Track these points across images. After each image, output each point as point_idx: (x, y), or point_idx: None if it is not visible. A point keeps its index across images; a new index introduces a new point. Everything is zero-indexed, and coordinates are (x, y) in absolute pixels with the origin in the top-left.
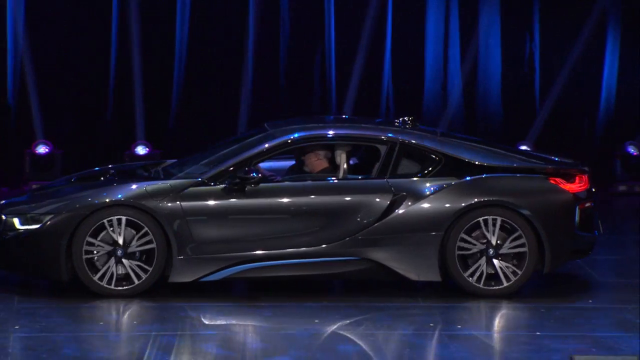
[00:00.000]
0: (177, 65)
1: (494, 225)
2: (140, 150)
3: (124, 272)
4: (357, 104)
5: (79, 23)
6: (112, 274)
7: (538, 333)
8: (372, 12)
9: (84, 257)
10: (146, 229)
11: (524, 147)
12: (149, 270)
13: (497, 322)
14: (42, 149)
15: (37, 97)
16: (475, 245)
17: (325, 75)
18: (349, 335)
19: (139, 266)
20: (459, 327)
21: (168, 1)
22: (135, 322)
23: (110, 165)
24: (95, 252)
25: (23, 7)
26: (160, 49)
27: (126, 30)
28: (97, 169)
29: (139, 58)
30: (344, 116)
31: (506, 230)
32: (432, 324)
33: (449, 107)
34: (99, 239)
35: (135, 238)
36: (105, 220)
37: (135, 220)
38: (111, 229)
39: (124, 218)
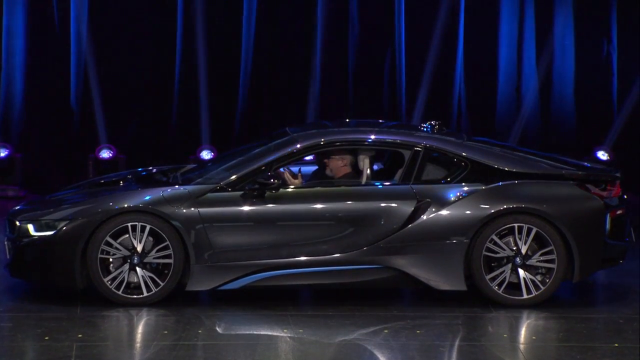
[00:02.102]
0: (243, 68)
1: (528, 234)
2: (205, 154)
3: (135, 280)
4: (427, 107)
5: (143, 25)
6: (122, 280)
7: (566, 344)
8: (444, 12)
9: (99, 256)
10: (167, 242)
11: (601, 152)
12: (160, 285)
13: (523, 333)
14: (105, 154)
15: (100, 101)
16: (504, 250)
17: (395, 78)
18: (367, 345)
19: (151, 278)
20: (483, 337)
21: (234, 3)
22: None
23: (127, 171)
24: (111, 253)
25: (86, 9)
26: (225, 52)
27: (191, 33)
28: (113, 174)
29: (204, 61)
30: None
31: (537, 241)
32: (454, 334)
33: (523, 111)
34: (118, 241)
35: (155, 250)
36: (129, 224)
37: (159, 231)
38: (134, 234)
39: (148, 226)
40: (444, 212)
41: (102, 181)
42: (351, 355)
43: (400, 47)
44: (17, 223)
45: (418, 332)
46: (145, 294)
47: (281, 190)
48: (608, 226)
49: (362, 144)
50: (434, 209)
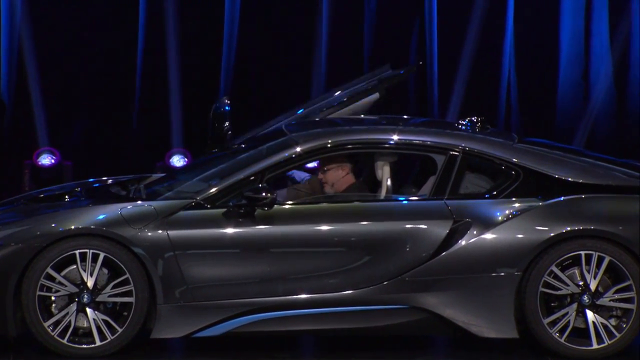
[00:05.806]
0: (225, 52)
1: (599, 265)
2: (177, 161)
3: (84, 325)
4: (466, 99)
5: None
6: (68, 325)
7: None
8: None
9: (38, 293)
10: (127, 275)
11: None
12: (117, 330)
13: None
14: (46, 160)
15: (40, 93)
16: (567, 285)
17: (424, 61)
18: None
19: (106, 322)
20: None
21: None
22: None
23: (75, 182)
24: (54, 290)
25: None
26: (203, 31)
27: (158, 14)
28: (57, 186)
29: (174, 42)
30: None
31: (611, 273)
32: None
33: (592, 104)
34: (62, 274)
35: (111, 285)
36: (77, 252)
37: (116, 260)
38: (83, 264)
39: (102, 254)
40: (489, 236)
41: (42, 195)
42: None
43: (431, 21)
44: None
45: None
46: (98, 342)
47: (276, 207)
48: None
49: (381, 147)
50: (475, 232)
